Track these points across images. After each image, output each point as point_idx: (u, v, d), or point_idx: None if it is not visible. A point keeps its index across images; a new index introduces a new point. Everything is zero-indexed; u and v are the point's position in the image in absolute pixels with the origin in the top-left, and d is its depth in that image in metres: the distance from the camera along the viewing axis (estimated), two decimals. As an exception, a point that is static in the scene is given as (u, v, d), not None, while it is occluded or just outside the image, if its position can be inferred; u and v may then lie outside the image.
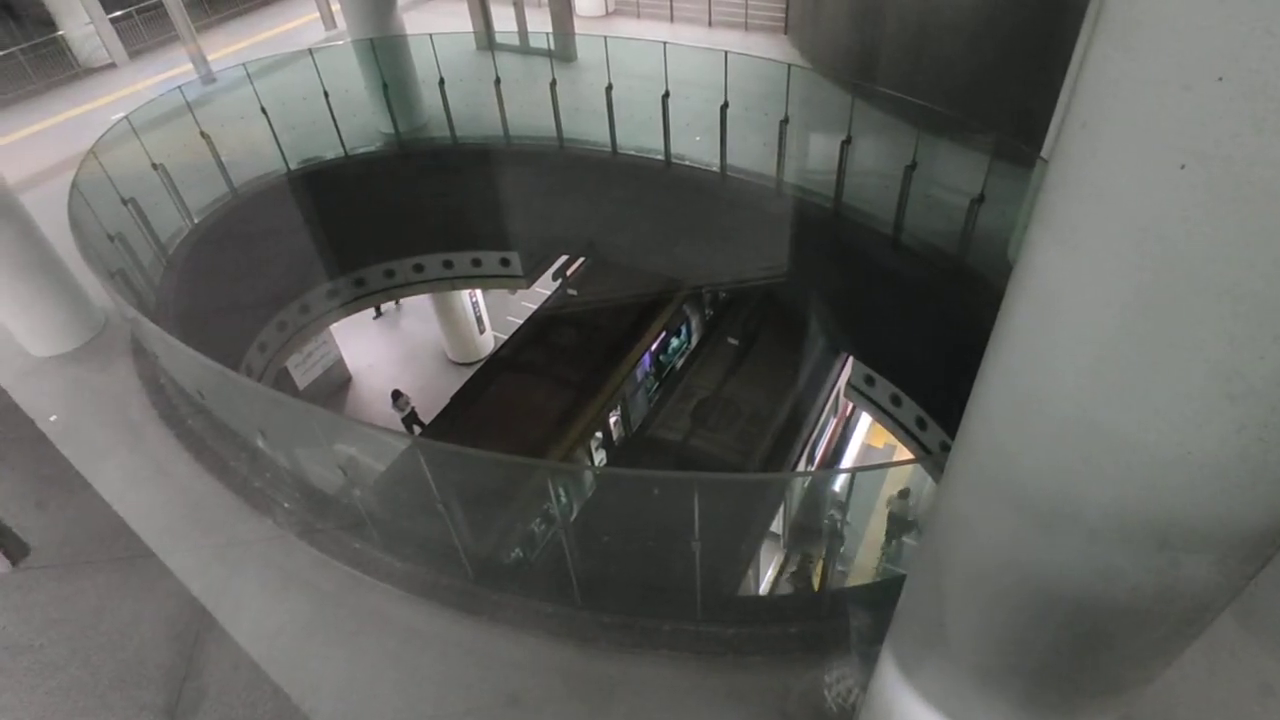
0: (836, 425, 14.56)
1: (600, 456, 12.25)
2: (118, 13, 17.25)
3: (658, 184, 10.54)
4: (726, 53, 9.61)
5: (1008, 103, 10.20)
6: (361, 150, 11.20)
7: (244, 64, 10.91)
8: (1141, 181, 1.43)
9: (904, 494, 11.64)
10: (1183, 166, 1.35)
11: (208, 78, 14.47)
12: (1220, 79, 1.24)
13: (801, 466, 12.03)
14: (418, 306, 16.93)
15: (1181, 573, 1.92)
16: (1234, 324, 1.43)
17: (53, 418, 7.84)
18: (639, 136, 10.44)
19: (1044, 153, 8.06)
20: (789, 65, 9.55)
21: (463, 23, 15.47)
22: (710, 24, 16.85)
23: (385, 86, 11.10)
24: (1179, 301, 1.48)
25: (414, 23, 13.26)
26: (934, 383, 9.09)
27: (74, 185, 8.05)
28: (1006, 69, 10.27)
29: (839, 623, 5.49)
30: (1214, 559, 1.87)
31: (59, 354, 8.65)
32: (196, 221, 9.81)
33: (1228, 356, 1.48)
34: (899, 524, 11.42)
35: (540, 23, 14.70)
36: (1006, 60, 10.22)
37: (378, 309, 17.13)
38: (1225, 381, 1.51)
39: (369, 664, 5.49)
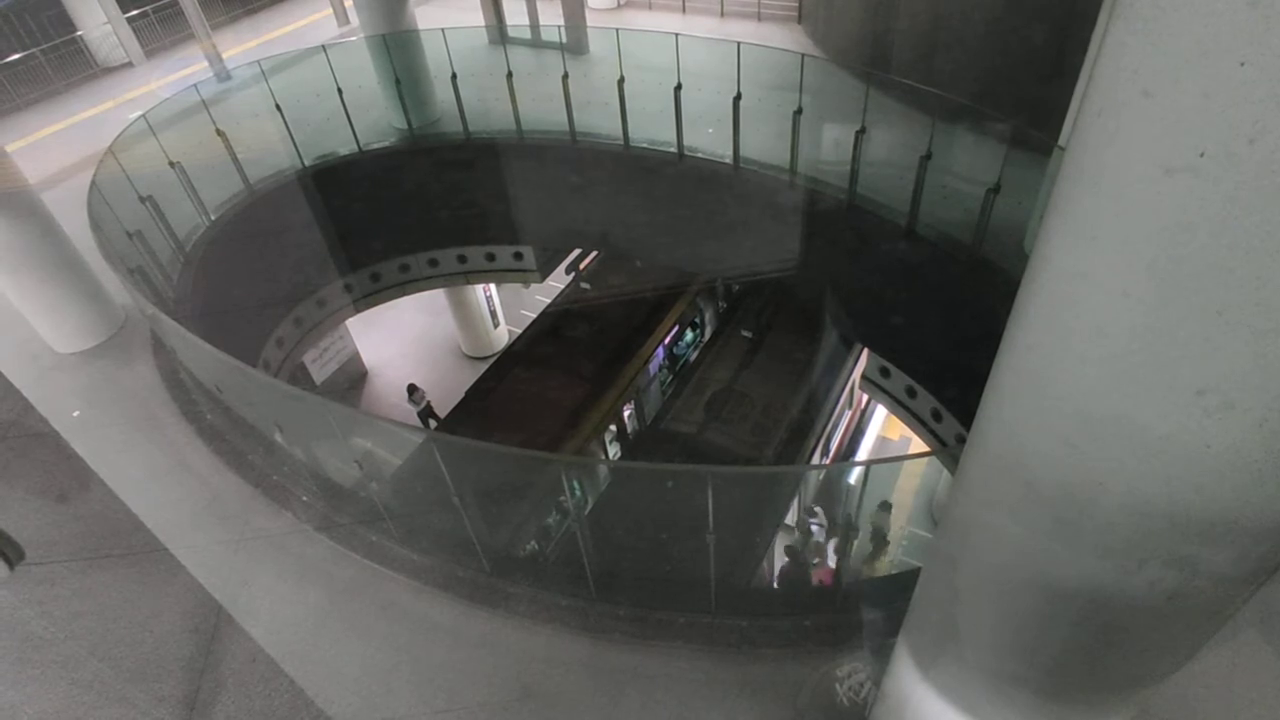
0: (851, 418, 14.48)
1: (614, 450, 12.27)
2: (134, 12, 17.40)
3: (671, 177, 10.50)
4: (739, 44, 9.54)
5: (1025, 89, 10.06)
6: (375, 146, 11.23)
7: (258, 61, 10.98)
8: (1159, 170, 1.40)
9: (885, 507, 11.50)
10: (1202, 155, 1.31)
11: (222, 75, 14.57)
12: (1242, 64, 1.20)
13: (816, 459, 11.98)
14: (430, 301, 17.00)
15: (1200, 567, 1.89)
16: (1256, 315, 1.40)
17: (75, 413, 7.96)
18: (651, 129, 10.40)
19: (1061, 141, 7.95)
20: (802, 55, 9.47)
21: (475, 17, 15.47)
22: (722, 15, 16.74)
23: (398, 82, 11.12)
24: (1199, 292, 1.45)
25: (426, 18, 13.27)
26: (950, 375, 9.01)
27: (93, 184, 8.14)
28: (1023, 55, 10.12)
29: (852, 616, 5.48)
30: (1234, 553, 1.84)
31: (80, 350, 8.77)
32: (214, 218, 9.89)
33: (1250, 348, 1.44)
34: (879, 538, 11.32)
35: (552, 16, 14.67)
36: (1023, 46, 10.07)
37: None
38: (1247, 373, 1.48)
39: (384, 656, 5.54)
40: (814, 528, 10.85)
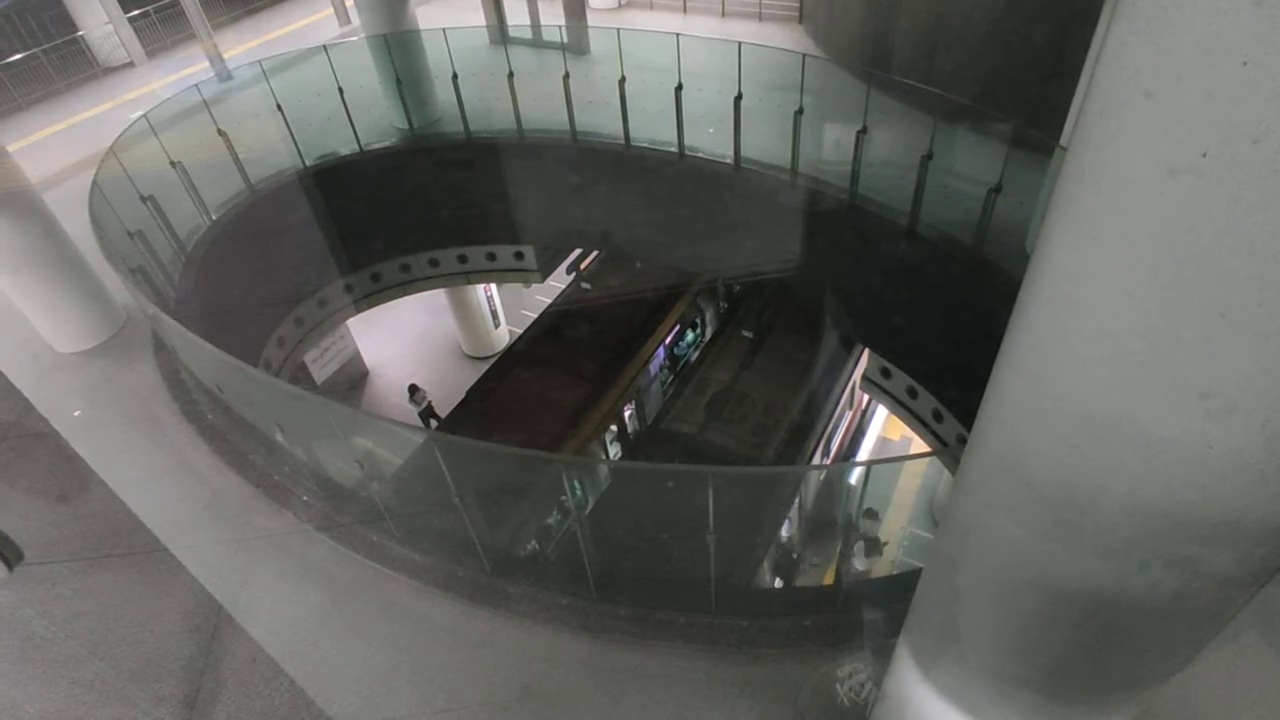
0: (852, 418, 14.48)
1: (615, 450, 12.26)
2: (135, 11, 17.41)
3: (671, 176, 10.49)
4: (740, 44, 9.53)
5: (1026, 89, 10.05)
6: (376, 146, 11.24)
7: (259, 61, 10.98)
8: (1162, 170, 1.40)
9: (871, 514, 11.48)
10: (1205, 155, 1.31)
11: (224, 75, 14.57)
12: (1246, 63, 1.20)
13: (817, 460, 11.97)
14: (431, 301, 17.01)
15: (1202, 568, 1.89)
16: (1259, 317, 1.40)
17: (76, 413, 7.96)
18: (652, 129, 10.40)
19: (1063, 141, 7.94)
20: (803, 55, 9.46)
21: (476, 17, 15.47)
22: (723, 15, 16.73)
23: (399, 82, 11.12)
24: (1202, 294, 1.44)
25: (427, 18, 13.27)
26: (951, 375, 9.00)
27: (94, 184, 8.14)
28: (1025, 55, 10.11)
29: (853, 616, 5.47)
30: (1236, 554, 1.83)
31: (82, 350, 8.78)
32: (215, 218, 9.90)
33: (1253, 350, 1.44)
34: (868, 544, 11.29)
35: (553, 16, 14.67)
36: (1024, 46, 10.06)
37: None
38: (1251, 376, 1.47)
39: (385, 656, 5.54)
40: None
